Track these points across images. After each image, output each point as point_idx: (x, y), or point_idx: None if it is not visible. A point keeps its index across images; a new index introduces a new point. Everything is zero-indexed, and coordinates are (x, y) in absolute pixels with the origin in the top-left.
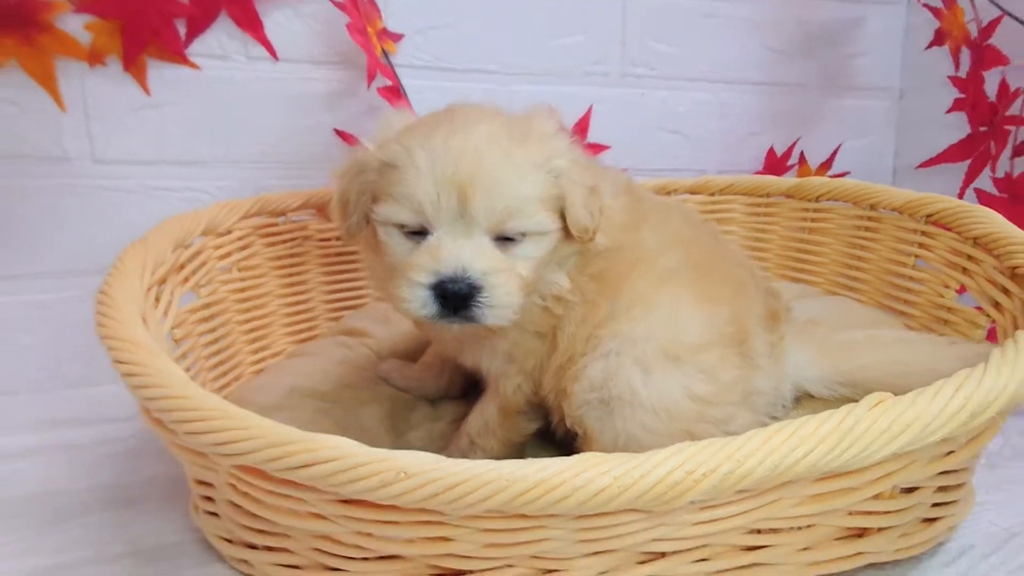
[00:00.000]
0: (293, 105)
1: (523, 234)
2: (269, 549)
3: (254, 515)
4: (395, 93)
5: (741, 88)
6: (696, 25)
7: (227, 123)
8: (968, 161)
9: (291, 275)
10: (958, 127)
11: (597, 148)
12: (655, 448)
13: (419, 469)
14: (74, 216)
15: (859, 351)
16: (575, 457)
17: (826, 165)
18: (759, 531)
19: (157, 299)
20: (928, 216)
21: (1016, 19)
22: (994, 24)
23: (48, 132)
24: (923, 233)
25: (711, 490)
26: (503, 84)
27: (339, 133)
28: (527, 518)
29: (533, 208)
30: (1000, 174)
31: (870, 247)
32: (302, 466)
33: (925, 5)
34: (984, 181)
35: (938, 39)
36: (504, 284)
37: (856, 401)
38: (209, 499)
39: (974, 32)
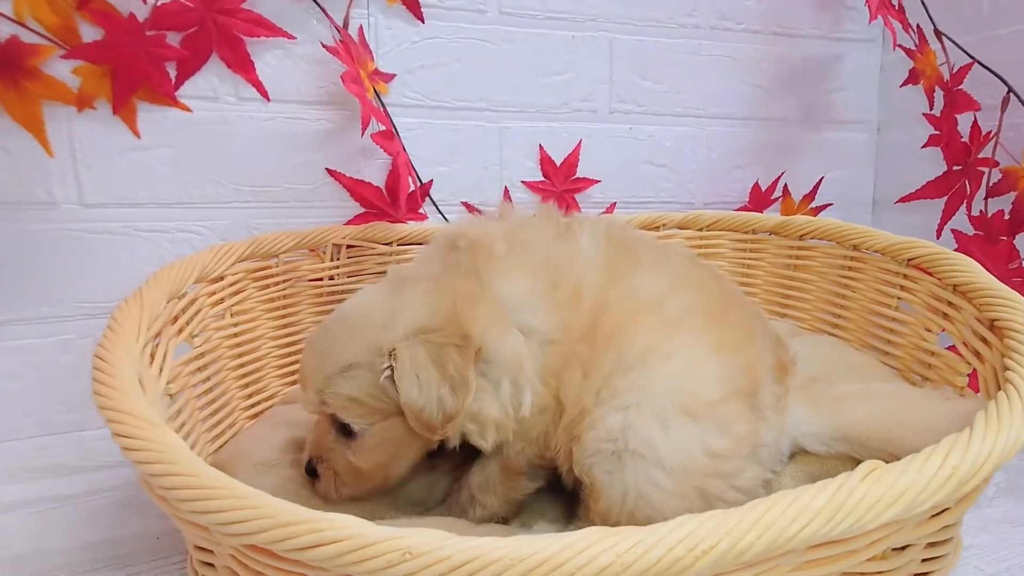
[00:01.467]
0: (284, 145)
1: (350, 425)
2: None
3: None
4: (388, 137)
5: (726, 123)
6: (681, 63)
7: (218, 163)
8: (945, 198)
9: (284, 316)
10: (934, 160)
11: (586, 182)
12: (663, 504)
13: (425, 549)
14: (62, 261)
15: (852, 405)
16: (580, 533)
17: (809, 197)
18: None
19: (152, 355)
20: (909, 260)
21: (984, 67)
22: (965, 70)
23: (35, 177)
24: (905, 276)
25: (713, 565)
26: (493, 121)
27: (330, 172)
28: None
29: (342, 406)
30: (975, 212)
31: (854, 287)
32: (310, 547)
33: (900, 46)
34: (961, 217)
35: (912, 78)
36: (325, 472)
37: (850, 456)
38: (210, 565)
39: (947, 74)
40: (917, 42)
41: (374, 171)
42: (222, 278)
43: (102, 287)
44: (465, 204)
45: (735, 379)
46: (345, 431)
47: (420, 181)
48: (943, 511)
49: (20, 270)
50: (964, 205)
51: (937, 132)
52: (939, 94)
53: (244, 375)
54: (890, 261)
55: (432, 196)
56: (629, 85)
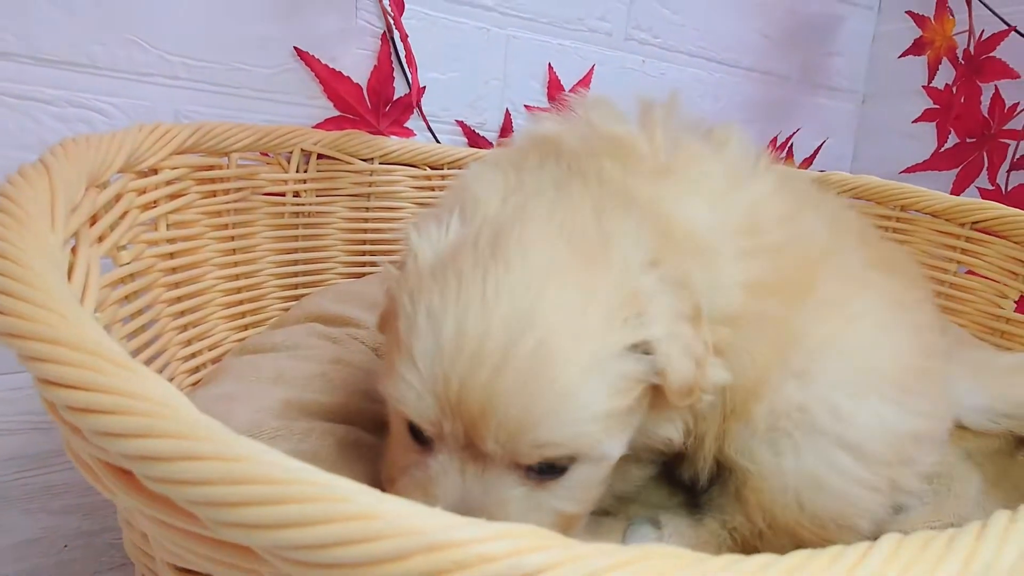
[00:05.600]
0: (235, 7)
1: (572, 459)
2: None
3: None
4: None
5: (732, 72)
6: None
7: (135, 14)
8: (956, 170)
9: (233, 238)
10: (919, 137)
11: None
12: (847, 496)
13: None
14: None
15: None
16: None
17: (808, 161)
18: None
19: (70, 266)
20: (974, 223)
21: (1021, 35)
22: (999, 37)
23: None
24: (967, 239)
25: None
26: (501, 27)
27: (299, 53)
28: None
29: (587, 431)
30: (991, 188)
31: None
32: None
33: (910, 13)
34: (970, 193)
35: (916, 48)
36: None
37: (1012, 433)
38: None
39: (961, 44)
40: (935, 9)
41: (355, 63)
42: (156, 171)
43: None
44: (461, 124)
45: (922, 342)
46: (548, 469)
47: (409, 85)
48: None
49: None
50: (984, 176)
51: (935, 107)
52: (946, 67)
53: (182, 312)
54: (945, 223)
55: (422, 108)
56: (648, 10)
